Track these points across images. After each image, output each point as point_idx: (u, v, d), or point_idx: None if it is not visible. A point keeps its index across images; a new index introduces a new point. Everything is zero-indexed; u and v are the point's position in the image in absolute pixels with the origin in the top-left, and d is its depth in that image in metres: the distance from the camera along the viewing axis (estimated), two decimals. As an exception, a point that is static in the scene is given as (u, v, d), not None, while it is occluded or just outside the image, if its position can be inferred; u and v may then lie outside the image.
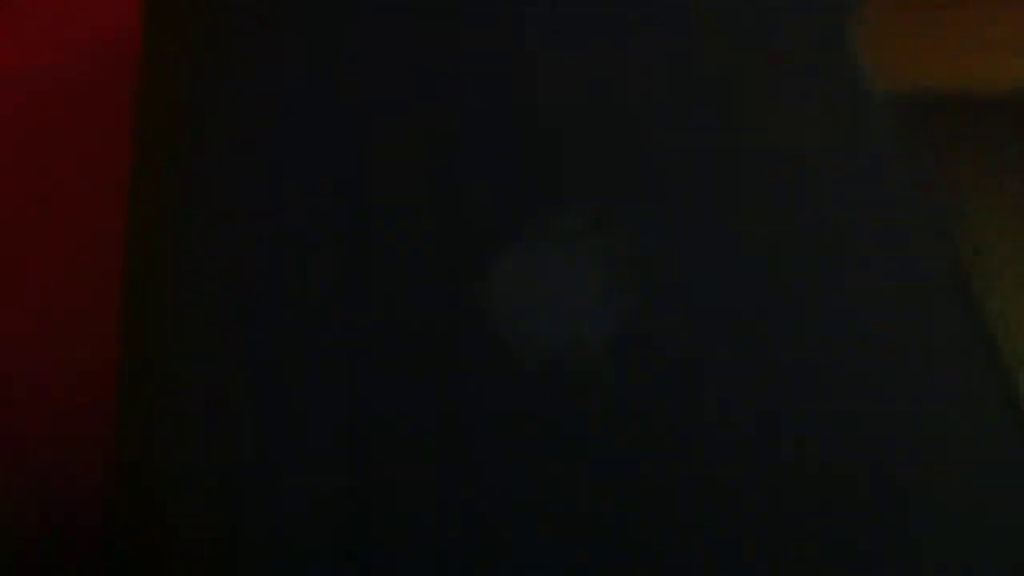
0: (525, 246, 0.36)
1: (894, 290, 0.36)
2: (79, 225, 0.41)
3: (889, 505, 0.33)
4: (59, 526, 0.36)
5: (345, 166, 0.37)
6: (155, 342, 0.34)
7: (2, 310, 0.39)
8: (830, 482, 0.33)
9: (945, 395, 0.35)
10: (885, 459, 0.33)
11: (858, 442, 0.33)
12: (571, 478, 0.32)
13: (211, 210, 0.36)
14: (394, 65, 0.39)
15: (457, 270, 0.35)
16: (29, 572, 0.35)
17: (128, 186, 0.38)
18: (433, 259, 0.35)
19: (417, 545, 0.31)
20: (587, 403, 0.33)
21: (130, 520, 0.31)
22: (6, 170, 0.42)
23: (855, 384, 0.34)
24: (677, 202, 0.37)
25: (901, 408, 0.34)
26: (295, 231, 0.35)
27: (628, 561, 0.31)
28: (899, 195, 0.38)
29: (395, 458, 0.32)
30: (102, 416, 0.36)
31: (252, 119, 0.37)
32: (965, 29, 0.55)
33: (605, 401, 0.33)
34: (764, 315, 0.35)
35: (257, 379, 0.33)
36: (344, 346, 0.34)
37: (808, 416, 0.34)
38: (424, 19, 0.40)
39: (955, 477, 0.33)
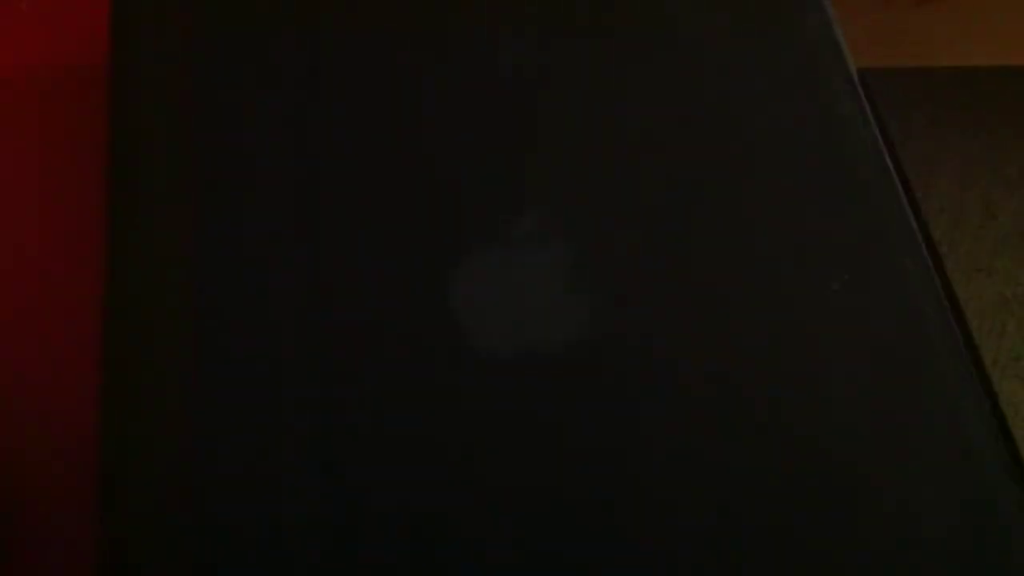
0: (487, 250, 0.36)
1: (865, 297, 0.36)
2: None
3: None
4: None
5: (308, 173, 0.37)
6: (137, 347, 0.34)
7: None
8: (799, 485, 0.33)
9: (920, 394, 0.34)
10: (854, 457, 0.33)
11: (827, 439, 0.33)
12: (538, 474, 0.32)
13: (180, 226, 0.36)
14: (366, 75, 0.39)
15: (421, 275, 0.35)
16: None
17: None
18: (397, 263, 0.35)
19: (393, 547, 0.31)
20: (552, 402, 0.33)
21: (112, 527, 0.31)
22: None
23: (817, 384, 0.34)
24: (633, 206, 0.37)
25: (870, 406, 0.34)
26: (260, 241, 0.36)
27: (592, 553, 0.31)
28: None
29: (368, 461, 0.32)
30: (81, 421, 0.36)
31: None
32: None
33: (569, 400, 0.34)
34: (723, 315, 0.35)
35: (230, 393, 0.33)
36: (314, 353, 0.34)
37: (770, 414, 0.34)
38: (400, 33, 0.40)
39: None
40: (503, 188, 0.37)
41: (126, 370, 0.34)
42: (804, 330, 0.35)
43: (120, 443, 0.32)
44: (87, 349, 0.37)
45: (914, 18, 0.54)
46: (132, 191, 0.37)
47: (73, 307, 0.39)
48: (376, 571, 0.30)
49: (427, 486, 0.32)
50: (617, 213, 0.37)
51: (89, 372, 0.36)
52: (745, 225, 0.37)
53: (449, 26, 0.41)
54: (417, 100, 0.39)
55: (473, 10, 0.41)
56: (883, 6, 0.53)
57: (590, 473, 0.32)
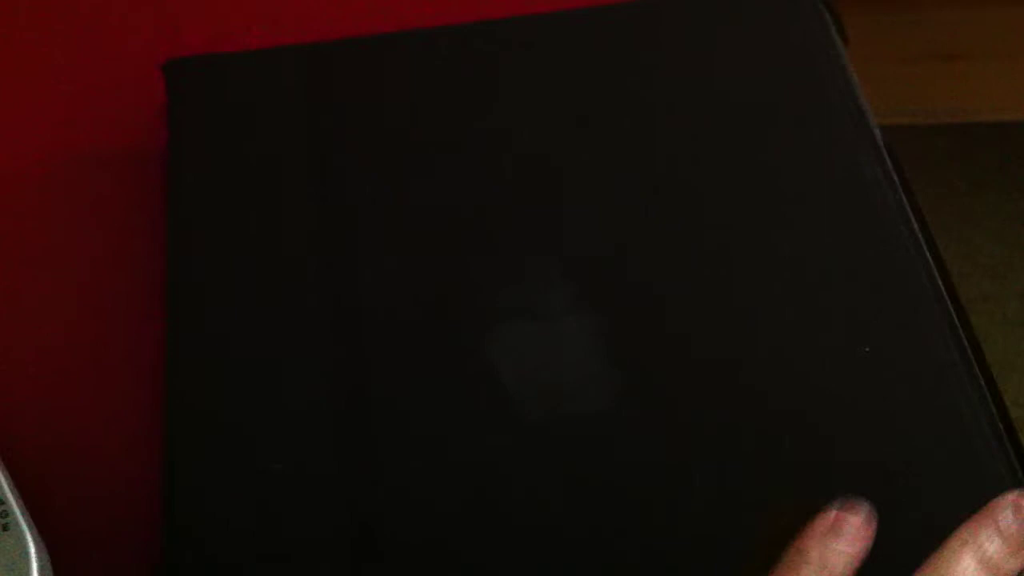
0: (518, 322, 0.37)
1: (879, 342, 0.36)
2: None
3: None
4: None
5: (347, 248, 0.39)
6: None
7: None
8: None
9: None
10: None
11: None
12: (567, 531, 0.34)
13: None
14: (389, 154, 0.41)
15: (457, 344, 0.36)
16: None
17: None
18: (432, 336, 0.37)
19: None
20: (584, 460, 0.35)
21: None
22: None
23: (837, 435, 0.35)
24: (659, 278, 0.38)
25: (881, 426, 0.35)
26: (288, 288, 0.38)
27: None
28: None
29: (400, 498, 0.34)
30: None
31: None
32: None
33: (600, 459, 0.35)
34: (750, 381, 0.36)
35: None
36: (353, 425, 0.36)
37: (794, 484, 0.34)
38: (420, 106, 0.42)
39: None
40: (529, 244, 0.39)
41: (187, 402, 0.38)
42: (833, 396, 0.36)
43: (182, 451, 0.37)
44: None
45: (945, 74, 0.54)
46: (190, 272, 0.40)
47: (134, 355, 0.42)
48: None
49: (445, 513, 0.34)
50: (641, 280, 0.38)
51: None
52: (769, 295, 0.37)
53: (473, 100, 0.42)
54: (447, 173, 0.40)
55: (492, 85, 0.42)
56: (912, 62, 0.54)
57: (612, 525, 0.34)
